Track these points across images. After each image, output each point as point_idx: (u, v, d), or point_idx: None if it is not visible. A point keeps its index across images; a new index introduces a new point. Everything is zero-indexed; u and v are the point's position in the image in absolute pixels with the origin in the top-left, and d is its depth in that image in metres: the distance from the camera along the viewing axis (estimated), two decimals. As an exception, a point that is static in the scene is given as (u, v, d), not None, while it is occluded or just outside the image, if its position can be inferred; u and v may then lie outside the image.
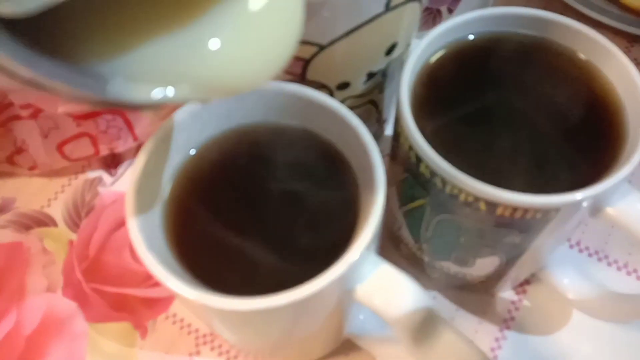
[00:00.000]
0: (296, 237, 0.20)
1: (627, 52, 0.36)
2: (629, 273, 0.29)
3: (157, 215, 0.20)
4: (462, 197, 0.20)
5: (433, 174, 0.20)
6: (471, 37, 0.23)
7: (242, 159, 0.22)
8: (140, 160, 0.20)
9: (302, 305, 0.17)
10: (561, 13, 0.23)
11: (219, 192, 0.21)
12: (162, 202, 0.20)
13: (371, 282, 0.19)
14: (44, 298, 0.30)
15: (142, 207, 0.19)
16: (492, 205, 0.19)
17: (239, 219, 0.21)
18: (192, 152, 0.22)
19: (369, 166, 0.20)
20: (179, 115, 0.21)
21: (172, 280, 0.17)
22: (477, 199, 0.19)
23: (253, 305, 0.16)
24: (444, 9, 0.39)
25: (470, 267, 0.25)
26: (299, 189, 0.21)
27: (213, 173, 0.21)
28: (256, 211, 0.21)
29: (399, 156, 0.23)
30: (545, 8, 0.23)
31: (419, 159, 0.20)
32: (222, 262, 0.20)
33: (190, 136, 0.21)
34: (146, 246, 0.18)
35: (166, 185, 0.21)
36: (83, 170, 0.34)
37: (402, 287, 0.19)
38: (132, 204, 0.19)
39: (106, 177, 0.33)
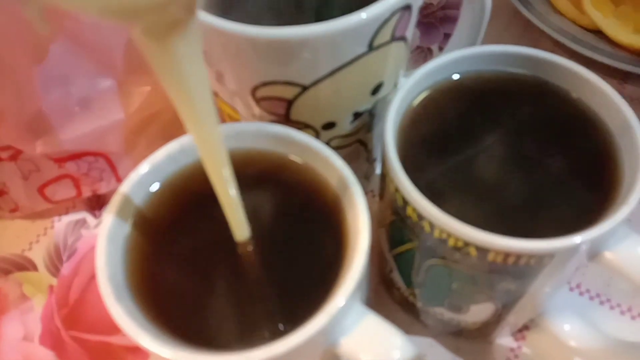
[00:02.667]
0: (274, 283, 0.19)
1: (619, 89, 0.35)
2: (633, 317, 0.27)
3: (119, 259, 0.18)
4: (451, 241, 0.19)
5: (420, 217, 0.19)
6: (457, 76, 0.23)
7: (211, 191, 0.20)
8: (113, 205, 0.19)
9: (280, 361, 0.16)
10: (551, 51, 0.22)
11: (183, 230, 0.20)
12: (123, 244, 0.19)
13: (356, 335, 0.18)
14: (19, 347, 0.28)
15: (113, 254, 0.18)
16: (483, 250, 0.18)
17: (207, 260, 0.19)
18: (153, 183, 0.20)
19: (354, 208, 0.19)
20: (157, 155, 0.20)
21: (140, 333, 0.16)
22: (466, 244, 0.18)
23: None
24: (434, 47, 0.39)
25: (465, 313, 0.23)
26: (277, 226, 0.20)
27: (176, 209, 0.20)
28: (227, 251, 0.19)
29: (387, 198, 0.22)
30: (535, 46, 0.23)
31: (405, 202, 0.19)
32: (191, 310, 0.18)
33: (158, 172, 0.20)
34: (115, 298, 0.17)
35: (128, 225, 0.19)
36: (67, 212, 0.33)
37: (390, 341, 0.18)
38: (103, 254, 0.18)
39: (90, 219, 0.32)
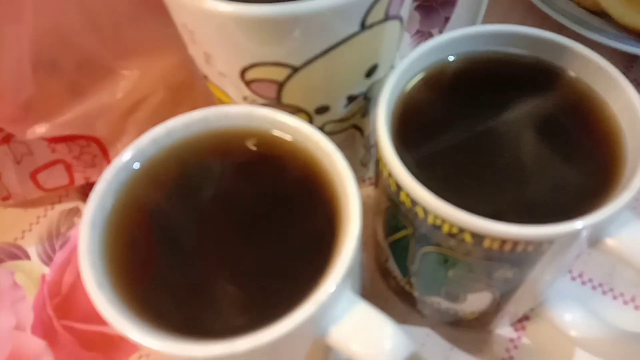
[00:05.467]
0: (263, 268, 0.18)
1: (626, 72, 0.34)
2: (636, 307, 0.27)
3: (100, 246, 0.18)
4: (445, 228, 0.18)
5: (414, 202, 0.18)
6: (453, 58, 0.22)
7: (194, 174, 0.19)
8: (98, 189, 0.18)
9: (267, 350, 0.16)
10: (556, 33, 0.21)
11: (165, 212, 0.19)
12: (102, 227, 0.18)
13: (347, 323, 0.17)
14: (11, 336, 0.28)
15: (95, 241, 0.17)
16: (478, 237, 0.17)
17: (189, 245, 0.18)
18: (136, 166, 0.19)
19: (345, 193, 0.18)
20: (142, 140, 0.20)
21: (116, 317, 0.16)
22: (461, 230, 0.18)
23: (205, 351, 0.15)
24: (435, 31, 0.38)
25: (462, 303, 0.23)
26: (265, 211, 0.19)
27: (158, 190, 0.19)
28: (210, 236, 0.18)
29: (381, 184, 0.21)
30: (540, 28, 0.22)
31: (399, 187, 0.19)
32: (173, 297, 0.17)
33: (143, 156, 0.20)
34: (96, 285, 0.16)
35: (107, 208, 0.19)
36: (60, 200, 0.32)
37: (381, 330, 0.17)
38: (86, 241, 0.17)
39: (83, 207, 0.32)
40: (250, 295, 0.17)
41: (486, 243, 0.18)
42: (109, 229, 0.18)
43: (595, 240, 0.18)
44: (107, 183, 0.19)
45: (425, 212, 0.18)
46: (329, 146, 0.19)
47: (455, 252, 0.19)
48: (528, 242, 0.17)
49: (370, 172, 0.32)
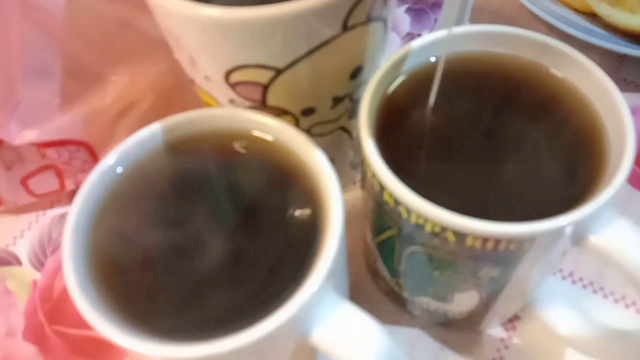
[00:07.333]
0: (245, 270, 0.18)
1: (615, 72, 0.34)
2: (627, 306, 0.27)
3: (80, 249, 0.18)
4: (428, 227, 0.18)
5: (397, 202, 0.18)
6: (435, 59, 0.22)
7: (178, 177, 0.20)
8: (82, 193, 0.18)
9: (250, 351, 0.16)
10: (546, 34, 0.21)
11: (149, 215, 0.19)
12: (86, 231, 0.18)
13: (329, 324, 0.17)
14: (2, 342, 0.28)
15: (79, 245, 0.17)
16: (460, 235, 0.17)
17: (171, 247, 0.18)
18: (120, 169, 0.19)
19: (328, 193, 0.18)
20: (127, 143, 0.20)
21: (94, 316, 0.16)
22: (444, 229, 0.18)
23: (187, 353, 0.15)
24: (425, 33, 0.38)
25: (450, 302, 0.23)
26: (248, 212, 0.19)
27: (143, 193, 0.19)
28: (193, 238, 0.18)
29: (366, 184, 0.21)
30: (530, 28, 0.22)
31: (382, 187, 0.19)
32: (156, 300, 0.17)
33: (128, 159, 0.20)
34: (79, 288, 0.16)
35: (92, 213, 0.19)
36: (52, 206, 0.32)
37: (364, 330, 0.17)
38: (69, 245, 0.17)
39: (75, 212, 0.32)
40: (233, 296, 0.17)
41: (469, 241, 0.18)
42: (93, 232, 0.18)
43: (579, 238, 0.18)
44: (91, 186, 0.19)
45: (408, 211, 0.18)
46: (311, 147, 0.19)
47: (440, 251, 0.19)
48: (510, 240, 0.17)
49: (360, 173, 0.32)
